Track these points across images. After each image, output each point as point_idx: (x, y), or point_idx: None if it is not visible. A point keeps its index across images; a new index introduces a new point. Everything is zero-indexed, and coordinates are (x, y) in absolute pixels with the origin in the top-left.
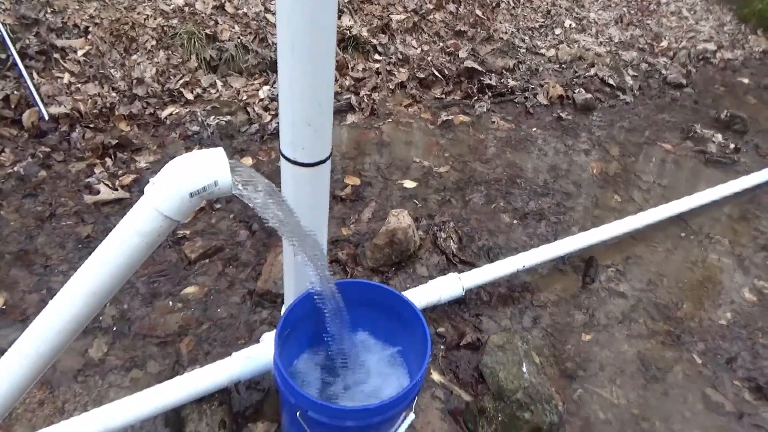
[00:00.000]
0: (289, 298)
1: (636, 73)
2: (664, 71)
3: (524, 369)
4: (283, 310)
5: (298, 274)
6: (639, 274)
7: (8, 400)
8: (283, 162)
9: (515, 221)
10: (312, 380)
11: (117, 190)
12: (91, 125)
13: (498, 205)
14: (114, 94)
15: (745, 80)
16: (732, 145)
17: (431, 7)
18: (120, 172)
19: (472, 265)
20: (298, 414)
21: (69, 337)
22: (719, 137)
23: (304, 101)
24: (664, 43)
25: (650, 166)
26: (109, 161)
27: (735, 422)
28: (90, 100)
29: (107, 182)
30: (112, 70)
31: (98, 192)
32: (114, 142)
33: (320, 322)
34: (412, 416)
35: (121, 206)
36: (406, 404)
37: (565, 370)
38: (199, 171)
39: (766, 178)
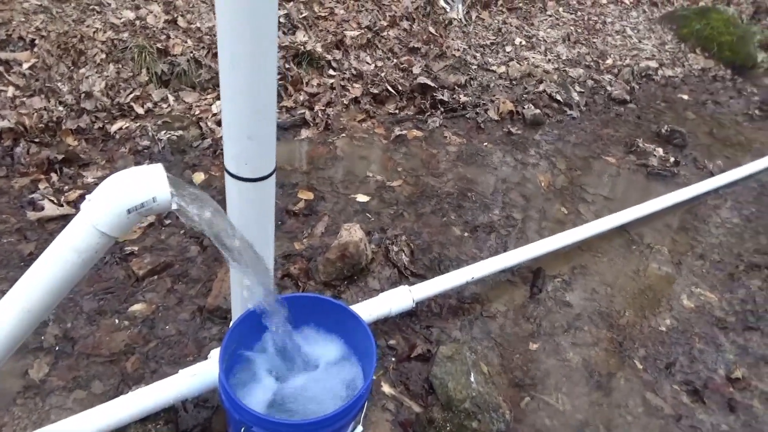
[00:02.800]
0: (237, 314)
1: (582, 90)
2: (609, 88)
3: (472, 379)
4: (232, 324)
5: (243, 291)
6: (584, 284)
7: None
8: (227, 177)
9: (466, 234)
10: (258, 392)
11: (62, 206)
12: (37, 140)
13: (449, 218)
14: (61, 108)
15: (685, 96)
16: (672, 159)
17: (385, 24)
18: (66, 187)
19: (423, 278)
20: (242, 430)
21: (3, 356)
22: (660, 151)
23: (246, 115)
24: (609, 61)
25: (595, 179)
26: (54, 177)
27: (673, 424)
28: (36, 114)
29: (52, 198)
30: (59, 84)
31: (42, 208)
32: (60, 157)
33: (266, 336)
34: (360, 429)
35: (66, 222)
36: (352, 416)
37: (513, 379)
38: (138, 187)
39: (704, 190)
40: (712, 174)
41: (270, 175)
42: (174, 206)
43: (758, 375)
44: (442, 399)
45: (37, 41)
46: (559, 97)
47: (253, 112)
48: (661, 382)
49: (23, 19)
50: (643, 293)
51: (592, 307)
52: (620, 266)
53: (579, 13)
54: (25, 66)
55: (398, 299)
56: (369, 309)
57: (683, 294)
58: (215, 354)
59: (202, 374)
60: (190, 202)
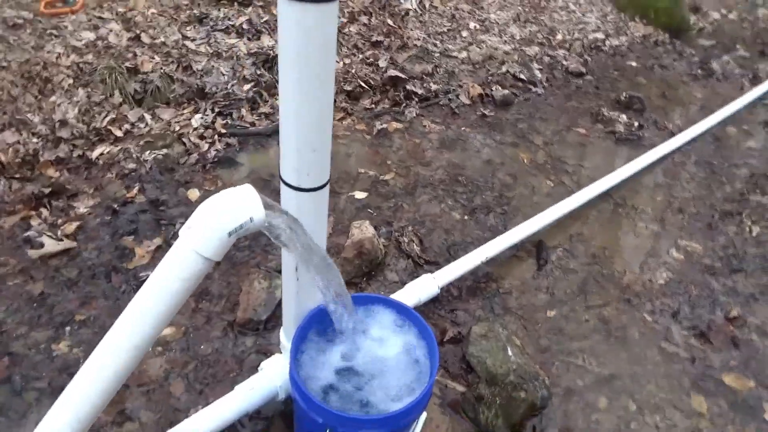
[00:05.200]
0: (289, 320)
1: (541, 67)
2: (564, 62)
3: (510, 353)
4: (282, 333)
5: (300, 295)
6: (584, 250)
7: None
8: (284, 189)
9: (466, 217)
10: (322, 391)
11: (62, 240)
12: (17, 176)
13: (447, 204)
14: (36, 140)
15: (633, 63)
16: (636, 123)
17: (345, 20)
18: (60, 221)
19: (437, 264)
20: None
21: (110, 394)
22: (624, 117)
23: (311, 129)
24: (560, 36)
25: (571, 150)
26: (45, 211)
27: (690, 366)
28: (10, 149)
29: (49, 234)
30: (29, 115)
31: (42, 245)
32: (46, 190)
33: (324, 336)
34: (425, 414)
35: (69, 257)
36: (427, 400)
37: (540, 347)
38: (236, 209)
39: (670, 148)
40: (672, 133)
41: (327, 183)
42: (266, 224)
43: (751, 312)
44: (484, 376)
45: (3, 70)
46: (522, 76)
47: (317, 125)
48: (671, 330)
49: None
50: (638, 251)
51: (595, 271)
52: (612, 229)
53: None
54: None
55: (425, 288)
56: (400, 300)
57: (672, 248)
58: (266, 365)
59: (258, 387)
60: (278, 218)
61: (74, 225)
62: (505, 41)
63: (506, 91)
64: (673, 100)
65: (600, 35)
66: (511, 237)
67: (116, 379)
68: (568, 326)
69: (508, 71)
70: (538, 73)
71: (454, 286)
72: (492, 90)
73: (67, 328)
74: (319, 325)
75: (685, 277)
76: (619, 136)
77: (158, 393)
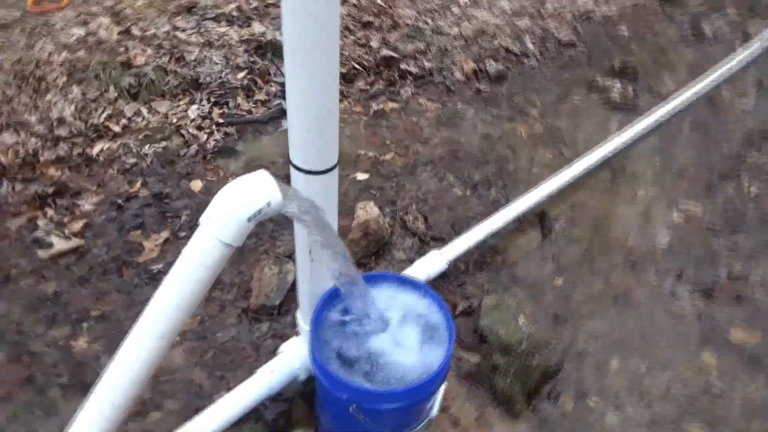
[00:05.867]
0: (305, 302)
1: (534, 39)
2: (556, 33)
3: (521, 322)
4: (299, 314)
5: (314, 277)
6: (586, 218)
7: None
8: (294, 173)
9: (467, 192)
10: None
11: (70, 238)
12: (18, 176)
13: (448, 181)
14: (34, 140)
15: (625, 31)
16: (630, 90)
17: None
18: (66, 219)
19: (442, 241)
20: (352, 408)
21: (142, 384)
22: (618, 85)
23: (318, 110)
24: (549, 7)
25: (568, 121)
26: (50, 211)
27: (697, 324)
28: (10, 150)
29: (57, 232)
30: (25, 115)
31: (51, 245)
32: (49, 190)
33: (340, 315)
34: (444, 385)
35: (79, 254)
36: (447, 371)
37: (549, 315)
38: (254, 195)
39: (666, 113)
40: (667, 98)
41: (336, 165)
42: (284, 207)
43: (753, 269)
44: (497, 346)
45: None
46: (515, 49)
47: (324, 107)
48: (676, 291)
49: None
50: (639, 216)
51: (599, 238)
52: (612, 196)
53: None
54: None
55: (433, 263)
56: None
57: (672, 211)
58: (285, 347)
59: (279, 370)
60: (295, 201)
61: (81, 223)
62: (496, 15)
63: (500, 66)
64: (666, 66)
65: (590, 5)
66: (513, 209)
67: (147, 368)
68: (575, 293)
69: (500, 45)
70: (530, 45)
71: (461, 261)
72: (486, 65)
73: (84, 324)
74: (334, 306)
75: (687, 238)
76: (614, 104)
77: (180, 382)
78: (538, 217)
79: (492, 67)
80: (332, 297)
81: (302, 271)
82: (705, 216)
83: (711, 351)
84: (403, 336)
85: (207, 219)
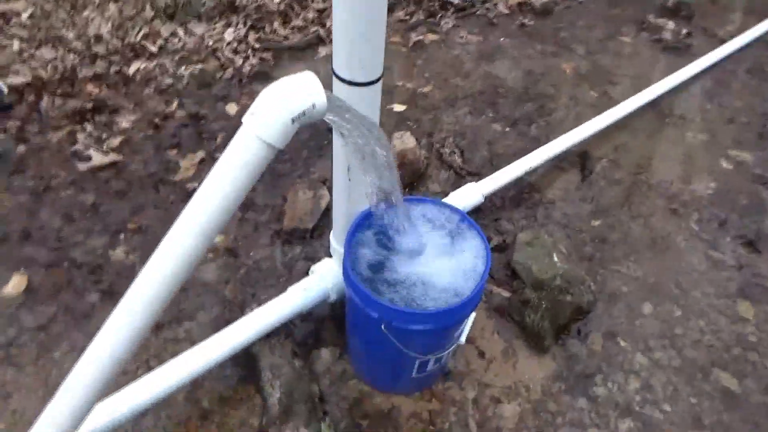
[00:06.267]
0: (339, 223)
1: None
2: None
3: (555, 258)
4: (332, 236)
5: (352, 197)
6: (629, 160)
7: (131, 347)
8: (336, 84)
9: (507, 129)
10: (374, 289)
11: (108, 153)
12: (58, 91)
13: (487, 116)
14: (73, 56)
15: None
16: (684, 31)
17: None
18: (104, 135)
19: (478, 176)
20: (383, 327)
21: (184, 278)
22: (671, 24)
23: (364, 18)
24: None
25: (616, 60)
26: (89, 126)
27: (737, 273)
28: (49, 65)
29: (96, 147)
30: (64, 31)
31: (89, 158)
32: (88, 105)
33: (374, 237)
34: (474, 314)
35: (117, 169)
36: (480, 297)
37: (584, 255)
38: (299, 95)
39: (721, 55)
40: (723, 41)
41: (380, 78)
42: (328, 112)
43: None
44: (530, 281)
45: None
46: None
47: (371, 14)
48: (717, 239)
49: None
50: (685, 161)
51: (641, 181)
52: (658, 140)
53: None
54: (24, 16)
55: (469, 195)
56: None
57: (721, 157)
58: (317, 268)
59: (310, 288)
60: (338, 107)
61: (119, 139)
62: None
63: None
64: (724, 6)
65: None
66: (554, 147)
67: (185, 265)
68: (612, 235)
69: None
70: None
71: (497, 196)
72: None
73: (121, 236)
74: (369, 227)
75: (733, 186)
76: (665, 44)
77: (213, 295)
78: (579, 157)
79: (538, 0)
80: (367, 218)
81: (339, 191)
82: (755, 165)
83: (749, 302)
84: (437, 261)
85: (250, 116)
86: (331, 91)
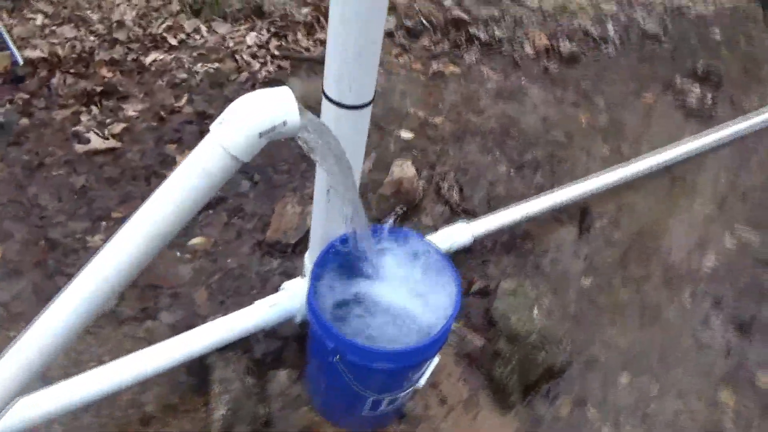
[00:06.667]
0: (315, 244)
1: (616, 26)
2: (642, 23)
3: (535, 313)
4: (307, 257)
5: (329, 219)
6: (631, 222)
7: (58, 347)
8: (325, 104)
9: (512, 171)
10: (337, 318)
11: (108, 139)
12: (72, 71)
13: (494, 156)
14: (93, 38)
15: (717, 34)
16: (710, 97)
17: None
18: (108, 120)
19: (474, 215)
20: (336, 358)
21: (128, 279)
22: (697, 89)
23: (359, 35)
24: None
25: (635, 117)
26: (95, 109)
27: (724, 357)
28: (68, 44)
29: (97, 131)
30: (88, 12)
31: (88, 141)
32: (98, 89)
33: (347, 264)
34: (438, 358)
35: (114, 156)
36: (443, 342)
37: (568, 314)
38: (269, 110)
39: (743, 129)
40: (747, 113)
41: (370, 103)
42: (300, 131)
43: None
44: (506, 332)
45: None
46: (594, 33)
47: (365, 35)
48: (709, 318)
49: None
50: (689, 232)
51: (640, 245)
52: (665, 205)
53: None
54: None
55: (458, 235)
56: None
57: (727, 233)
58: (289, 285)
59: (278, 305)
60: (312, 127)
61: (121, 126)
62: None
63: (574, 47)
64: (755, 78)
65: (685, 0)
66: (555, 197)
67: (131, 267)
68: (601, 297)
69: (579, 26)
70: (612, 31)
71: (489, 239)
72: (559, 44)
73: (103, 223)
74: (343, 253)
75: (735, 266)
76: (689, 108)
77: (182, 298)
78: (580, 211)
79: (566, 47)
80: (343, 243)
81: (317, 211)
82: (761, 247)
83: (731, 389)
84: (407, 297)
85: (218, 125)
86: (320, 110)
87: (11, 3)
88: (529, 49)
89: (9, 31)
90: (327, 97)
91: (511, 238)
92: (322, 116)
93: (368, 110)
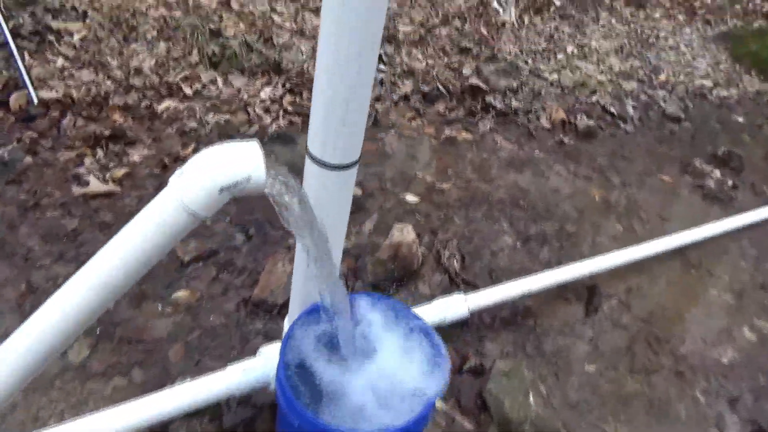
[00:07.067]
0: (295, 310)
1: (636, 104)
2: (663, 104)
3: (531, 399)
4: (286, 321)
5: (307, 285)
6: (641, 306)
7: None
8: (308, 162)
9: (518, 244)
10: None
11: (108, 183)
12: (84, 113)
13: (501, 226)
14: (109, 83)
15: (740, 119)
16: (730, 182)
17: (438, 21)
18: (111, 164)
19: (474, 286)
20: None
21: (75, 331)
22: (717, 173)
23: (345, 91)
24: (663, 77)
25: (650, 197)
26: (100, 152)
27: None
28: (84, 87)
29: (98, 174)
30: (109, 58)
31: (87, 184)
32: (107, 132)
33: (326, 331)
34: None
35: (111, 200)
36: (422, 426)
37: (568, 402)
38: (233, 164)
39: (764, 216)
40: None
41: (355, 163)
42: (266, 189)
43: None
44: (498, 418)
45: (89, 12)
46: (612, 110)
47: (352, 91)
48: (724, 417)
49: None
50: (704, 321)
51: (649, 332)
52: (678, 290)
53: (632, 26)
54: (77, 37)
55: (454, 307)
56: (424, 314)
57: (745, 325)
58: (266, 350)
59: (252, 371)
60: (281, 185)
61: (123, 171)
62: (602, 71)
63: (592, 122)
64: None
65: (708, 83)
66: (562, 274)
67: (84, 315)
68: (605, 385)
69: (598, 102)
70: (631, 109)
71: (488, 314)
72: (576, 118)
73: None
74: (320, 321)
75: (754, 361)
76: (708, 192)
77: (156, 354)
78: (588, 290)
79: (583, 121)
80: (321, 310)
81: (297, 275)
82: None
83: None
84: (382, 376)
85: (177, 177)
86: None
87: (35, 45)
88: (545, 122)
89: (28, 72)
90: (310, 155)
91: (512, 314)
92: (304, 174)
93: (353, 171)
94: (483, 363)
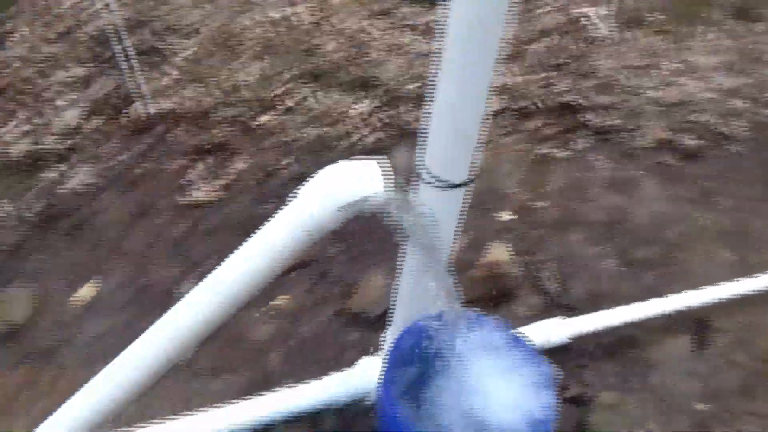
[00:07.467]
0: (398, 324)
1: (747, 124)
2: None
3: None
4: (388, 335)
5: (412, 300)
6: (758, 345)
7: (122, 401)
8: (424, 181)
9: (622, 268)
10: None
11: (212, 192)
12: (191, 126)
13: (602, 249)
14: (215, 96)
15: None
16: None
17: (530, 37)
18: (215, 174)
19: (573, 310)
20: None
21: (198, 337)
22: None
23: (463, 113)
24: None
25: (766, 225)
26: (204, 163)
27: None
28: (191, 100)
29: (203, 183)
30: (214, 74)
31: (192, 193)
32: (211, 144)
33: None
34: None
35: (214, 209)
36: None
37: None
38: (351, 184)
39: None
40: None
41: (472, 181)
42: (385, 210)
43: None
44: None
45: (201, 30)
46: (721, 130)
47: (469, 112)
48: None
49: (191, 8)
50: None
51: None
52: None
53: (742, 41)
54: (186, 54)
55: (553, 331)
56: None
57: None
58: (364, 362)
59: (350, 383)
60: (398, 207)
61: (226, 180)
62: (708, 88)
63: (697, 142)
64: None
65: None
66: (668, 303)
67: (200, 327)
68: (718, 428)
69: (704, 121)
70: (741, 129)
71: (590, 341)
72: (680, 138)
73: (199, 270)
74: (425, 336)
75: None
76: None
77: (255, 358)
78: (696, 322)
79: (687, 141)
80: (426, 325)
81: (403, 288)
82: None
83: None
84: (491, 395)
85: (296, 197)
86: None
87: (148, 62)
88: (645, 141)
89: (141, 86)
90: (424, 174)
91: (616, 343)
92: (419, 194)
93: (464, 190)
94: (584, 393)
